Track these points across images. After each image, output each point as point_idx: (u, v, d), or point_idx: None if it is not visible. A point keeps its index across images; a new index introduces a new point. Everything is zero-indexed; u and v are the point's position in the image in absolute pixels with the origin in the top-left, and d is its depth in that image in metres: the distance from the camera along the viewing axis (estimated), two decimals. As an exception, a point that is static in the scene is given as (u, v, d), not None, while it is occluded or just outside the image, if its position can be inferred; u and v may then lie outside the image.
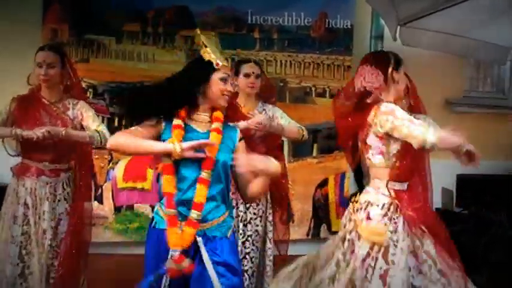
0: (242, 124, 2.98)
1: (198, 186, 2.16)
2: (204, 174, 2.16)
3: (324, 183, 4.84)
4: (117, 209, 4.56)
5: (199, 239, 2.15)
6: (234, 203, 3.24)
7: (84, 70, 4.19)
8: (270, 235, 3.40)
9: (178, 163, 2.17)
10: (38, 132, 2.86)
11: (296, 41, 4.76)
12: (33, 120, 3.01)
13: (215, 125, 2.28)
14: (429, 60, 4.58)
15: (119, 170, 4.54)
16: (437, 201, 4.50)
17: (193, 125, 2.28)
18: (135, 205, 4.58)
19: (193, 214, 2.14)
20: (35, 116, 3.04)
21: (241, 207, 3.28)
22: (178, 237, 2.12)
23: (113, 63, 4.54)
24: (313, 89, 4.80)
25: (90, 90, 4.42)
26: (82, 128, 3.13)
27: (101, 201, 4.53)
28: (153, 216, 2.29)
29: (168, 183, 2.17)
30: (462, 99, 5.24)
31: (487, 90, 5.54)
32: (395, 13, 3.53)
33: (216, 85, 2.26)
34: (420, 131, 2.24)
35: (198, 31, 2.61)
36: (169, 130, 2.23)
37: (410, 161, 2.45)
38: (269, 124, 3.11)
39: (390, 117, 2.34)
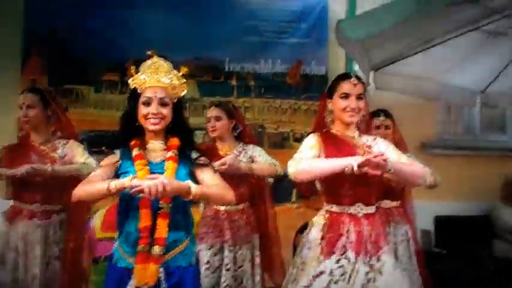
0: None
1: (159, 221, 2.11)
2: (164, 208, 2.12)
3: (304, 228, 4.81)
4: (95, 260, 4.46)
5: (161, 271, 2.11)
6: (218, 247, 3.25)
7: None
8: (257, 278, 3.37)
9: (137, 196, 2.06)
10: (22, 170, 2.86)
11: (272, 87, 4.90)
12: (21, 161, 3.00)
13: (170, 153, 2.21)
14: (403, 103, 4.70)
15: (97, 220, 4.46)
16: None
17: (147, 156, 2.22)
18: (113, 255, 4.48)
19: (157, 249, 2.10)
20: (23, 158, 3.04)
21: (226, 252, 3.27)
22: (144, 275, 2.07)
23: (92, 112, 4.57)
24: (290, 134, 4.89)
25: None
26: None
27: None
28: (112, 254, 2.22)
29: (144, 218, 2.11)
30: (436, 141, 5.37)
31: (458, 133, 5.68)
32: (368, 59, 3.64)
33: (140, 110, 2.21)
34: (289, 164, 2.42)
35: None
36: (126, 163, 2.20)
37: (338, 185, 2.48)
38: (236, 165, 3.14)
39: None
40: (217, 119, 3.37)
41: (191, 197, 2.08)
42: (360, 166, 2.23)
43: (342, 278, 2.39)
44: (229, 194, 2.23)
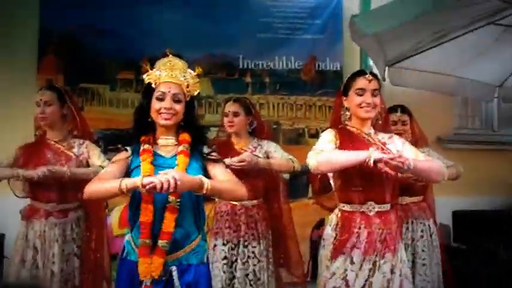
0: (226, 161, 3.02)
1: (166, 215, 2.10)
2: (172, 203, 2.10)
3: (320, 224, 4.82)
4: (112, 257, 4.49)
5: (173, 268, 2.11)
6: (235, 242, 3.26)
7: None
8: (269, 273, 3.36)
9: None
10: (39, 172, 2.87)
11: (287, 84, 4.89)
12: (38, 160, 3.02)
13: (181, 147, 2.21)
14: (419, 98, 4.66)
15: (114, 217, 4.50)
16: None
17: (159, 150, 2.23)
18: (130, 252, 4.51)
19: (161, 243, 2.09)
20: (39, 156, 3.06)
21: (242, 247, 3.28)
22: (148, 267, 2.07)
23: (108, 110, 4.60)
24: (306, 130, 4.88)
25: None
26: (88, 165, 3.12)
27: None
28: (123, 247, 2.23)
29: (145, 212, 2.10)
30: (453, 136, 5.31)
31: (476, 127, 5.62)
32: (383, 54, 3.61)
33: (153, 105, 2.20)
34: (309, 155, 2.43)
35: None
36: (137, 158, 2.19)
37: (349, 183, 2.49)
38: (254, 161, 3.14)
39: None
40: (235, 114, 3.36)
41: (204, 191, 2.07)
42: (375, 162, 2.23)
43: (342, 276, 2.42)
44: (242, 189, 2.22)
